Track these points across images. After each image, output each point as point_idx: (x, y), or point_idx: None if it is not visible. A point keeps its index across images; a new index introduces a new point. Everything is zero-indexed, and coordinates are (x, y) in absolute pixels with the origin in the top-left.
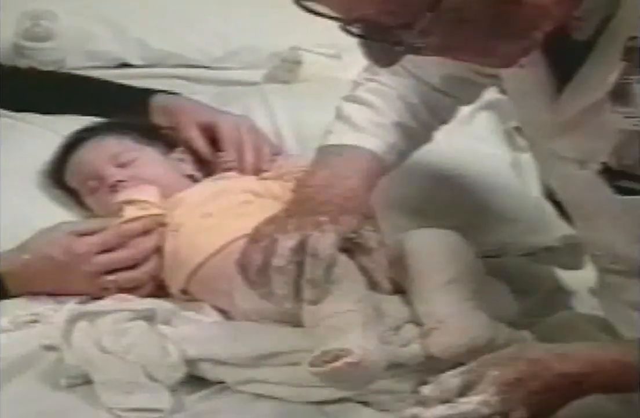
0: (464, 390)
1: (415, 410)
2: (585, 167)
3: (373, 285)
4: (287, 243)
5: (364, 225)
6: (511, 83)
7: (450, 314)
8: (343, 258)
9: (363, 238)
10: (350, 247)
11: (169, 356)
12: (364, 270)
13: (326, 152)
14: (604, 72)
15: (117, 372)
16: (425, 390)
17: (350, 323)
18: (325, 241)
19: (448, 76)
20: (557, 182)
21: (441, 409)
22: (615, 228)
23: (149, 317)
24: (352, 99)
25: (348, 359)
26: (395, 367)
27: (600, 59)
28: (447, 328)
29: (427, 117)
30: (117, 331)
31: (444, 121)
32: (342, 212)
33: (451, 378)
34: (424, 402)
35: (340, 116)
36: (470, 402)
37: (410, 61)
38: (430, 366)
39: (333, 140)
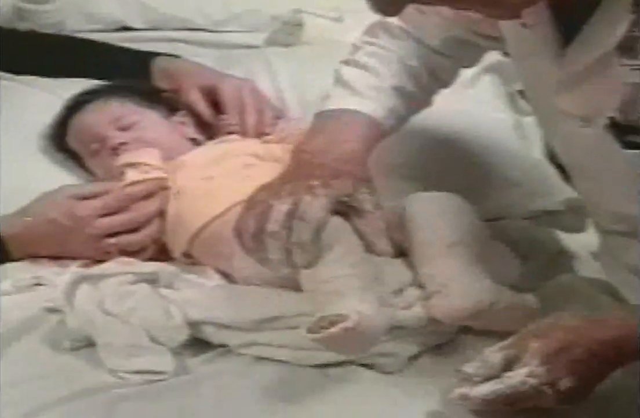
0: (507, 366)
1: (462, 389)
2: (590, 124)
3: (370, 248)
4: (280, 208)
5: (359, 188)
6: (515, 43)
7: (452, 277)
8: (338, 221)
9: (358, 202)
10: (345, 211)
11: (171, 319)
12: (360, 233)
13: (324, 117)
14: (612, 25)
15: (120, 334)
16: (469, 368)
17: (347, 288)
18: (314, 204)
19: (449, 37)
20: (561, 142)
21: (489, 386)
22: (620, 186)
23: (151, 280)
24: (351, 63)
25: (344, 324)
26: (397, 330)
27: (608, 11)
28: (449, 291)
29: (427, 80)
30: (120, 294)
31: (444, 85)
32: (337, 176)
33: (493, 354)
34: (469, 380)
35: (338, 80)
36: (516, 375)
37: (411, 23)
38: (433, 329)
39: (331, 105)
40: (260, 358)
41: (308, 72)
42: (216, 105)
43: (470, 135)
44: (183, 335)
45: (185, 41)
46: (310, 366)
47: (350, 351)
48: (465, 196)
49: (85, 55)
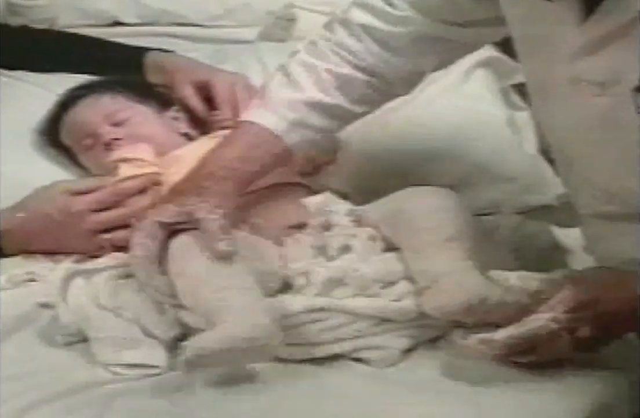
0: (533, 296)
1: (480, 335)
2: (606, 92)
3: (212, 252)
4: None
5: (186, 204)
6: (528, 17)
7: (444, 273)
8: (181, 241)
9: (187, 215)
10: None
11: (164, 313)
12: (204, 242)
13: (234, 129)
14: None
15: (113, 328)
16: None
17: (211, 311)
18: (136, 240)
19: (418, 36)
20: (562, 120)
21: (511, 329)
22: (624, 159)
23: None
24: (281, 70)
25: (181, 358)
26: (386, 323)
27: None
28: (440, 287)
29: (365, 90)
30: (112, 289)
31: (401, 90)
32: (169, 200)
33: (531, 281)
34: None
35: (262, 88)
36: (540, 319)
37: (379, 16)
38: (423, 323)
39: (244, 115)
40: None
41: None
42: (209, 100)
43: (463, 130)
44: (176, 328)
45: (178, 36)
46: (302, 360)
47: (240, 364)
48: (458, 191)
49: (78, 50)
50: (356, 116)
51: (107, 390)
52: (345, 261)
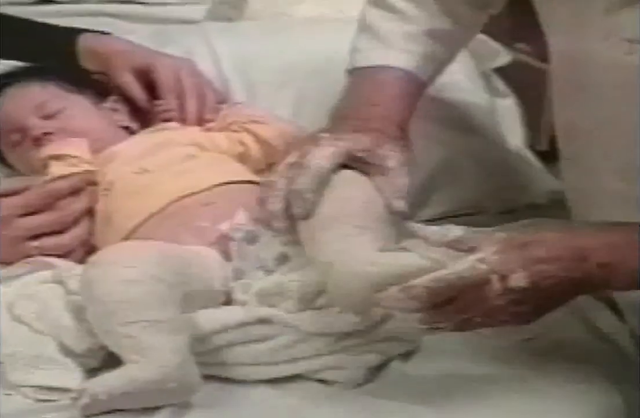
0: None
1: (395, 287)
2: (634, 50)
3: (388, 208)
4: (288, 161)
5: (382, 145)
6: None
7: (337, 252)
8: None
9: (378, 158)
10: (366, 167)
11: (82, 322)
12: (379, 191)
13: (358, 76)
14: None
15: (25, 343)
16: (420, 229)
17: (117, 346)
18: (316, 153)
19: None
20: (593, 80)
21: (434, 274)
22: None
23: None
24: (379, 4)
25: (77, 403)
26: (346, 338)
27: None
28: (338, 270)
29: (468, 9)
30: (28, 296)
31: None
32: (358, 131)
33: (454, 228)
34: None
35: (365, 27)
36: (466, 261)
37: None
38: (390, 336)
39: (362, 59)
40: (205, 376)
41: (253, 50)
42: (152, 88)
43: (438, 121)
44: (94, 339)
45: (115, 15)
46: (261, 381)
47: (158, 403)
48: (433, 189)
49: (1, 32)
50: (460, 46)
51: None
52: (282, 272)
